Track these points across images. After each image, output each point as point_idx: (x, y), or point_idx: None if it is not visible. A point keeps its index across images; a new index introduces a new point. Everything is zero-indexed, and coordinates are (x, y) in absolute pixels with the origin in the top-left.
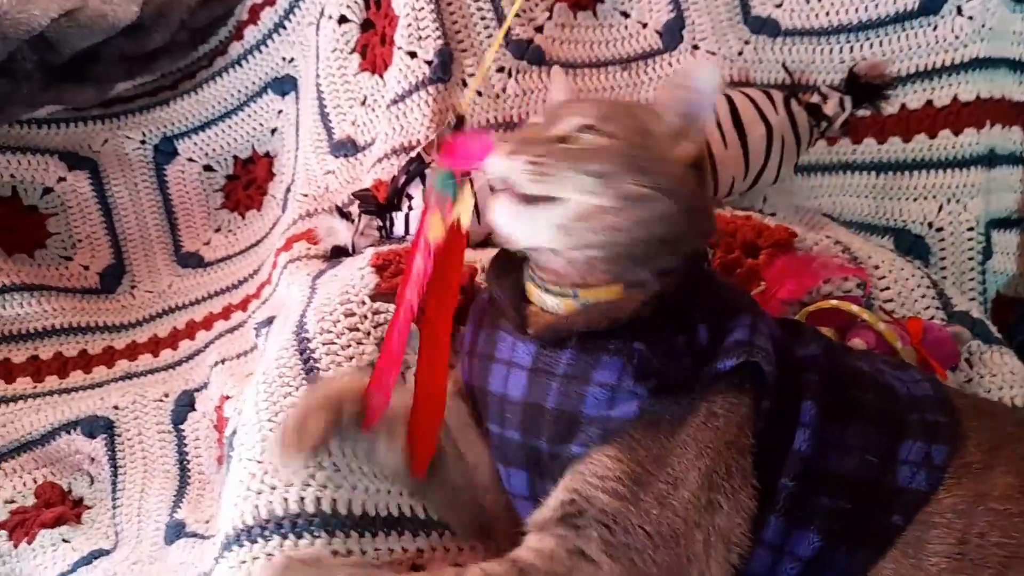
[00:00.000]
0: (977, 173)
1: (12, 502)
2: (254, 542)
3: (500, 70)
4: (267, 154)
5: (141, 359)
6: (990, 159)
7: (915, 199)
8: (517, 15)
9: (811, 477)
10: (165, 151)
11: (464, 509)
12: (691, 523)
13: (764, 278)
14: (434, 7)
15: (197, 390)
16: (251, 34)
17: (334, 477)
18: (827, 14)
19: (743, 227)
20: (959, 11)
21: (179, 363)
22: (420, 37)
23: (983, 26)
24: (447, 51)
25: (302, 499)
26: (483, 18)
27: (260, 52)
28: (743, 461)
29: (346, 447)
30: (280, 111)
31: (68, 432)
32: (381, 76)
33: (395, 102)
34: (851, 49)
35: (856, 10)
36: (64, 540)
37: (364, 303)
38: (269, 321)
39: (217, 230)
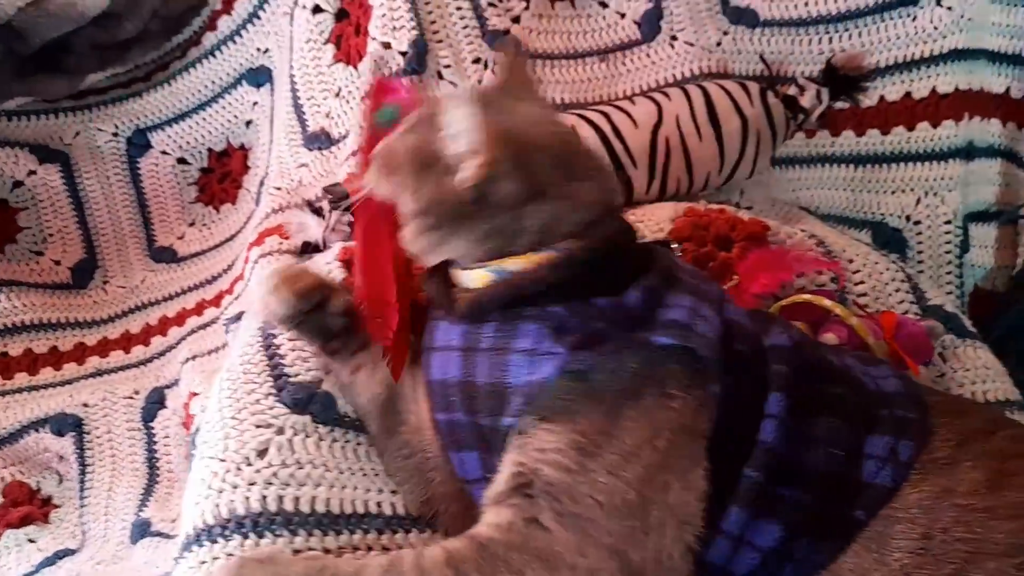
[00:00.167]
0: (955, 166)
1: None
2: (214, 542)
3: (476, 61)
4: (242, 147)
5: (112, 356)
6: (968, 152)
7: (893, 192)
8: (493, 4)
9: (776, 468)
10: (138, 144)
11: (413, 475)
12: (646, 497)
13: (737, 272)
14: None
15: (168, 387)
16: (225, 24)
17: (297, 475)
18: (806, 5)
19: (716, 220)
20: (938, 2)
21: (150, 360)
22: (395, 28)
23: (962, 17)
24: (422, 42)
25: (264, 497)
26: (459, 8)
27: (234, 42)
28: (695, 446)
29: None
30: (255, 103)
31: (37, 430)
32: (356, 67)
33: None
34: (830, 40)
35: (835, 1)
36: (30, 540)
37: None
38: (239, 317)
39: (191, 224)
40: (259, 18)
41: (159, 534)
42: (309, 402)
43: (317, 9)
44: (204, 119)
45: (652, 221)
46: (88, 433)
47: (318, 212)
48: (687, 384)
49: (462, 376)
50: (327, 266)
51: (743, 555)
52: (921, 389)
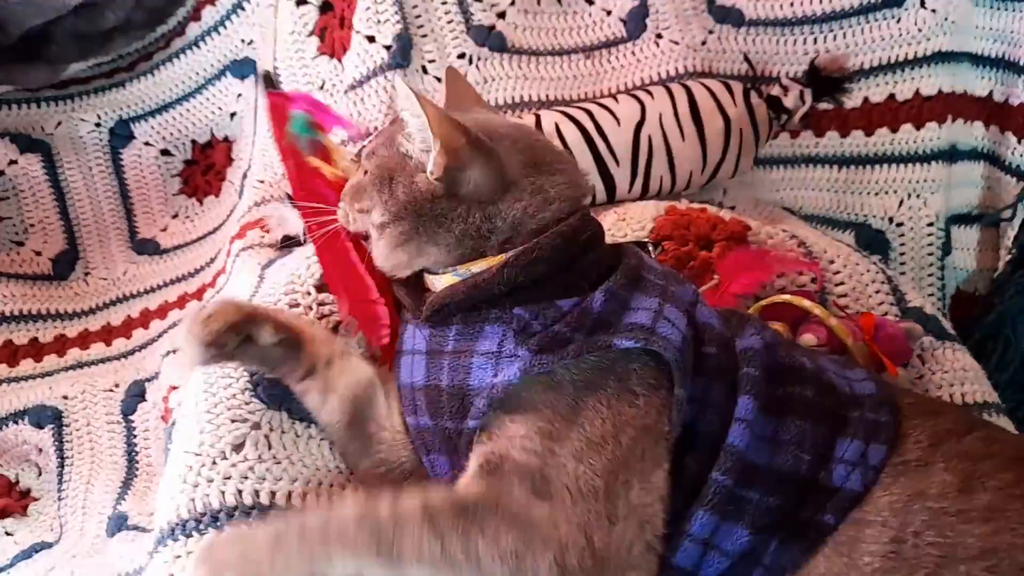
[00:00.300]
0: (938, 168)
1: None
2: (189, 536)
3: (461, 56)
4: (226, 139)
5: (93, 348)
6: (951, 154)
7: (876, 193)
8: None
9: (744, 472)
10: (121, 134)
11: (391, 488)
12: (611, 488)
13: (717, 271)
14: None
15: (148, 380)
16: (209, 15)
17: (273, 469)
18: (791, 4)
19: (697, 220)
20: (922, 4)
21: (131, 352)
22: (379, 21)
23: (946, 19)
24: (406, 36)
25: (239, 492)
26: (444, 2)
27: (218, 33)
28: (657, 448)
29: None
30: (239, 95)
31: (16, 422)
32: (340, 60)
33: (353, 87)
34: (814, 41)
35: (820, 1)
36: (7, 533)
37: (309, 293)
38: None
39: (174, 216)
40: (243, 9)
41: (136, 528)
42: (285, 398)
43: (301, 1)
44: (188, 110)
45: (634, 219)
46: (67, 426)
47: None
48: (651, 384)
49: (426, 380)
50: (306, 260)
51: (712, 559)
52: (896, 392)
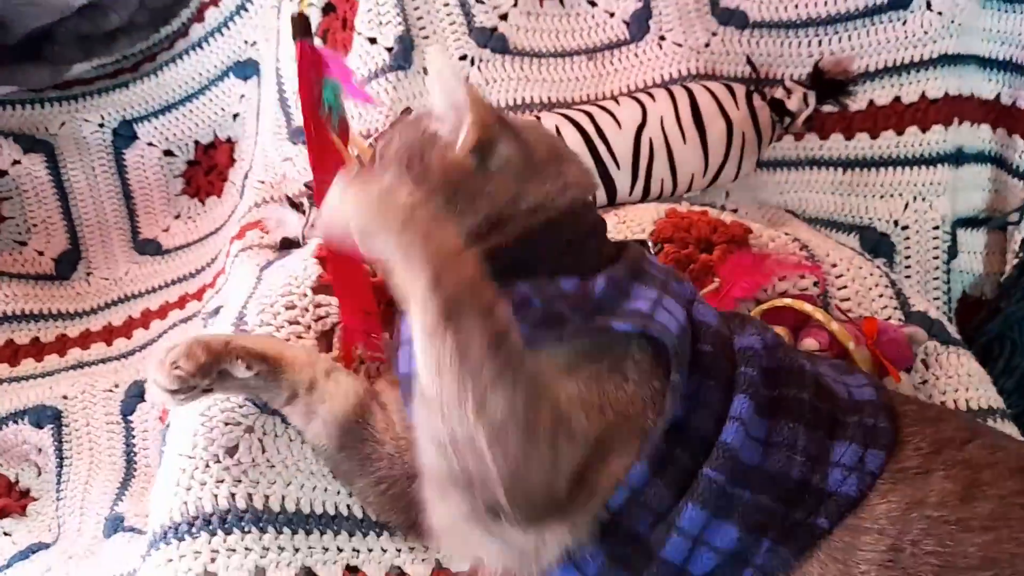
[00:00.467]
0: (944, 171)
1: None
2: (182, 539)
3: (463, 58)
4: (229, 139)
5: (94, 348)
6: (957, 157)
7: (881, 196)
8: (480, 1)
9: (737, 470)
10: (124, 135)
11: (394, 502)
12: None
13: (718, 274)
14: None
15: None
16: (212, 16)
17: (267, 473)
18: (795, 7)
19: (698, 222)
20: (928, 6)
21: (132, 353)
22: (380, 23)
23: (952, 22)
24: (408, 38)
25: (233, 495)
26: (446, 4)
27: (222, 35)
28: (630, 441)
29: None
30: (242, 96)
31: (16, 422)
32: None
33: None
34: (819, 43)
35: (825, 3)
36: (5, 533)
37: (306, 295)
38: (216, 311)
39: (177, 217)
40: (247, 10)
41: (132, 529)
42: None
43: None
44: (191, 111)
45: (634, 222)
46: (67, 426)
47: (298, 208)
48: (644, 372)
49: None
50: (303, 262)
51: (701, 555)
52: (896, 399)
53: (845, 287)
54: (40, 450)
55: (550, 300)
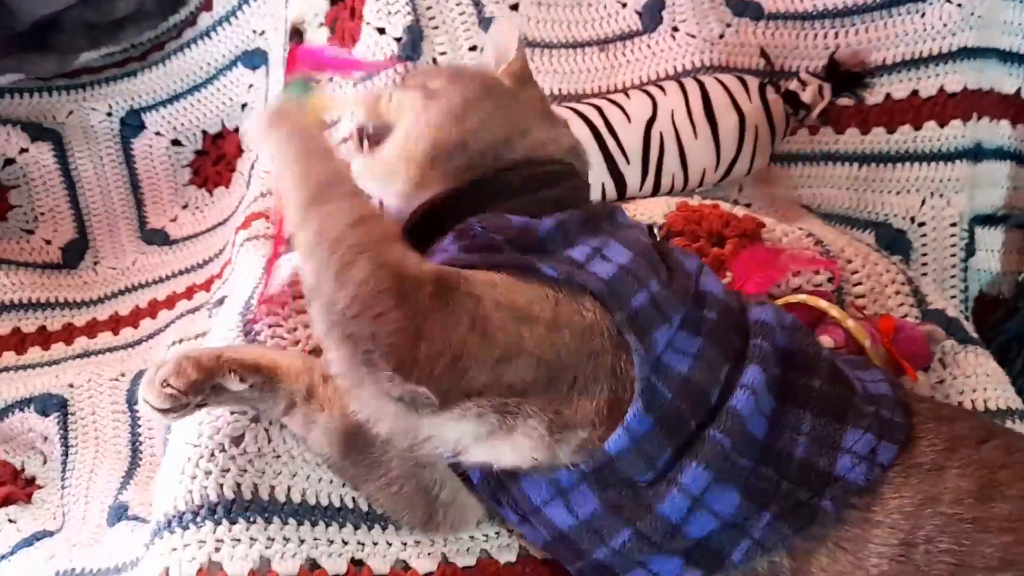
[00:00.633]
0: (962, 167)
1: None
2: (186, 528)
3: (473, 49)
4: (237, 129)
5: (100, 337)
6: (976, 153)
7: (898, 192)
8: None
9: (743, 437)
10: (132, 124)
11: (407, 501)
12: (504, 357)
13: (730, 269)
14: None
15: None
16: (221, 4)
17: (273, 463)
18: None
19: (710, 216)
20: None
21: (138, 342)
22: (390, 12)
23: (972, 14)
24: (417, 28)
25: (238, 484)
26: None
27: (230, 23)
28: (606, 379)
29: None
30: (251, 85)
31: (22, 409)
32: (350, 52)
33: (363, 80)
34: (835, 35)
35: None
36: (10, 521)
37: None
38: (222, 301)
39: (184, 207)
40: None
41: (136, 518)
42: None
43: None
44: (199, 100)
45: (644, 215)
46: (73, 414)
47: None
48: (602, 311)
49: None
50: None
51: (699, 517)
52: (910, 396)
53: (860, 283)
54: (46, 438)
55: (491, 230)
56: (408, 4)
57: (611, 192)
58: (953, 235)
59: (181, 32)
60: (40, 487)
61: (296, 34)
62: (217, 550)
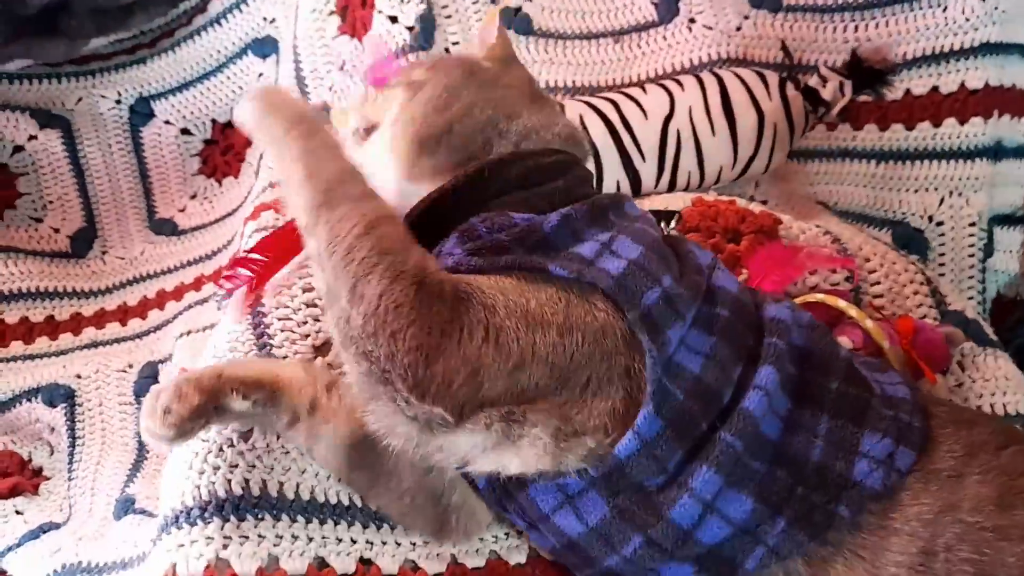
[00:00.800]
0: (982, 166)
1: None
2: (194, 524)
3: None
4: None
5: (108, 327)
6: (996, 151)
7: (916, 191)
8: None
9: (756, 440)
10: (141, 112)
11: (419, 511)
12: (520, 365)
13: (746, 266)
14: None
15: (162, 362)
16: None
17: (282, 459)
18: None
19: (726, 212)
20: None
21: (146, 333)
22: (402, 1)
23: (996, 8)
24: (430, 17)
25: (247, 481)
26: None
27: (240, 11)
28: (620, 381)
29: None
30: (261, 74)
31: (29, 400)
32: (360, 40)
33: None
34: (855, 28)
35: None
36: (17, 512)
37: None
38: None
39: (193, 197)
40: None
41: (143, 512)
42: None
43: None
44: (209, 89)
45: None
46: (80, 405)
47: None
48: (613, 309)
49: None
50: None
51: (711, 523)
52: (928, 400)
53: (878, 283)
54: (53, 429)
55: (496, 230)
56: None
57: (626, 189)
58: (972, 235)
59: (191, 19)
60: (47, 478)
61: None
62: (225, 547)
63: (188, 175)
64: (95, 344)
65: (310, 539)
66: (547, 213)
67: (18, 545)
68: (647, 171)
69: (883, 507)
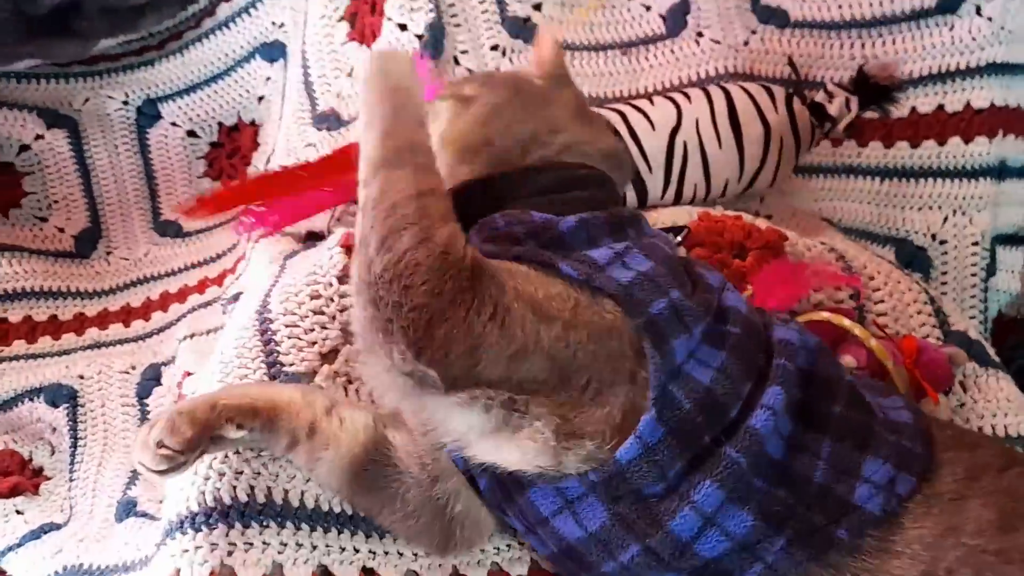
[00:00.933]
0: (986, 185)
1: None
2: (198, 530)
3: (494, 48)
4: (253, 122)
5: (112, 328)
6: (1000, 171)
7: (919, 208)
8: None
9: (760, 458)
10: (148, 113)
11: (426, 529)
12: (518, 354)
13: (752, 284)
14: None
15: (164, 364)
16: None
17: (287, 467)
18: (839, 7)
19: (732, 227)
20: (978, 11)
21: (149, 335)
22: (411, 9)
23: (1003, 29)
24: (439, 26)
25: (252, 488)
26: None
27: (249, 15)
28: (624, 385)
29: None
30: (268, 78)
31: (31, 399)
32: (369, 47)
33: None
34: (862, 46)
35: (870, 4)
36: (17, 512)
37: (331, 285)
38: (236, 297)
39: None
40: None
41: (144, 515)
42: None
43: None
44: (216, 92)
45: (665, 224)
46: (82, 406)
47: None
48: (620, 312)
49: None
50: (328, 251)
51: (711, 537)
52: (932, 423)
53: (882, 301)
54: (55, 429)
55: (512, 223)
56: (431, 1)
57: (632, 200)
58: (975, 254)
59: (200, 22)
60: (48, 478)
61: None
62: (230, 554)
63: (194, 177)
64: (98, 345)
65: (314, 547)
66: (565, 216)
67: (19, 545)
68: (653, 182)
69: (884, 531)
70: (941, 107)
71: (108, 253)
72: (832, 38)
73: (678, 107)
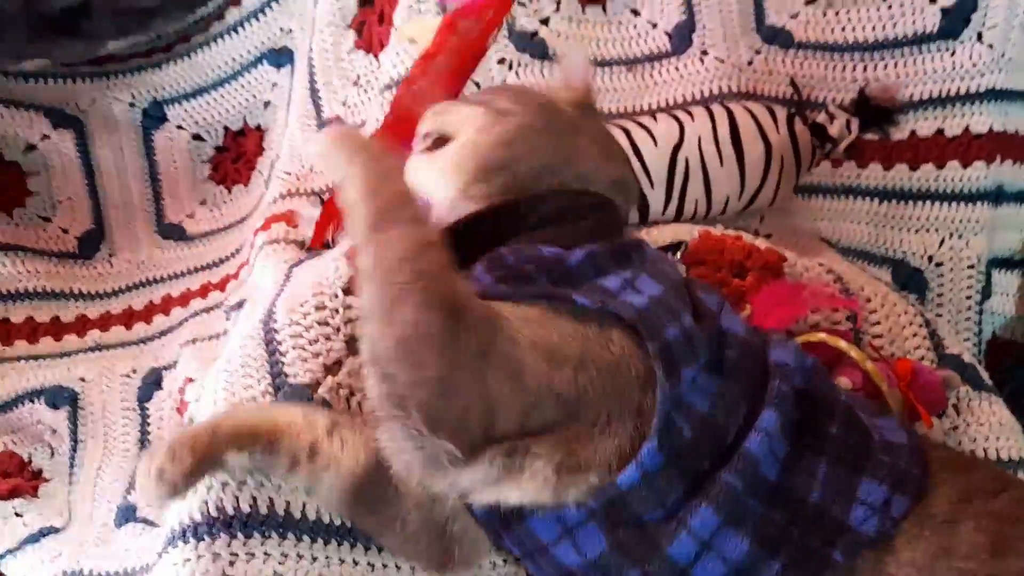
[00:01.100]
0: (983, 209)
1: None
2: (200, 540)
3: (501, 62)
4: (259, 127)
5: (113, 331)
6: (997, 195)
7: (917, 230)
8: (522, 4)
9: (756, 482)
10: (154, 116)
11: (426, 550)
12: (525, 396)
13: (751, 303)
14: None
15: (166, 368)
16: (249, 0)
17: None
18: (843, 29)
19: (732, 246)
20: (979, 38)
21: (151, 339)
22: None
23: (1003, 56)
24: None
25: (254, 499)
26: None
27: (257, 20)
28: (631, 419)
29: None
30: (275, 84)
31: (32, 401)
32: (376, 57)
33: (389, 87)
34: (864, 68)
35: (873, 28)
36: (17, 514)
37: (336, 296)
38: (240, 304)
39: (202, 203)
40: None
41: (144, 521)
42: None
43: None
44: (222, 96)
45: (665, 242)
46: (83, 408)
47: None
48: (630, 345)
49: None
50: (334, 262)
51: (708, 561)
52: (927, 445)
53: (878, 323)
54: (55, 431)
55: (522, 260)
56: (439, 13)
57: (633, 216)
58: (970, 277)
59: (208, 25)
60: (47, 480)
61: None
62: (232, 564)
63: (198, 181)
64: (99, 347)
65: (314, 559)
66: (572, 249)
67: (19, 548)
68: (655, 197)
69: (877, 553)
70: (940, 131)
71: (111, 255)
72: (835, 60)
73: (681, 124)
